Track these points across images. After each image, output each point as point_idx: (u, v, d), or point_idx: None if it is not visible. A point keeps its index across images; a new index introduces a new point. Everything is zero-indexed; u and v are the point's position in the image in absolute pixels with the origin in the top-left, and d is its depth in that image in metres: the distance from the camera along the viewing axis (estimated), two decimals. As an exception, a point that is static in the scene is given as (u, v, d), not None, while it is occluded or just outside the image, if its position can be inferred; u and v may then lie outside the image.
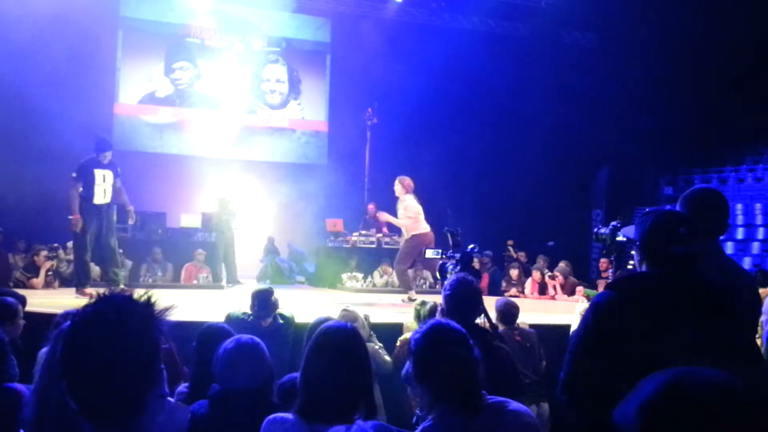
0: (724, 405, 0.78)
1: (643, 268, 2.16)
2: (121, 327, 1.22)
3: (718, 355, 1.45)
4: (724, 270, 2.39)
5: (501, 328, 4.86)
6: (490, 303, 5.01)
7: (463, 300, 3.27)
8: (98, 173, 7.51)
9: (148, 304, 1.28)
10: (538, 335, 5.23)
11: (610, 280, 2.44)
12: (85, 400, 1.22)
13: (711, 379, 0.81)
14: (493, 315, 4.91)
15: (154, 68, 14.32)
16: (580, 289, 10.10)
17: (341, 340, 2.17)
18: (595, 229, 3.29)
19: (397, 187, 8.31)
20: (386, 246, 10.99)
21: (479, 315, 3.50)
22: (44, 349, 3.51)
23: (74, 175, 7.45)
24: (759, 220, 13.33)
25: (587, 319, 2.05)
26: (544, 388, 4.94)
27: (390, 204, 8.56)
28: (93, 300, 1.29)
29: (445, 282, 3.52)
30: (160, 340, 1.29)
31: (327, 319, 3.62)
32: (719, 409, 0.77)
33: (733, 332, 1.94)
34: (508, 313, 5.14)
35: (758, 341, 4.04)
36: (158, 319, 1.28)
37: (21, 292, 5.47)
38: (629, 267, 2.87)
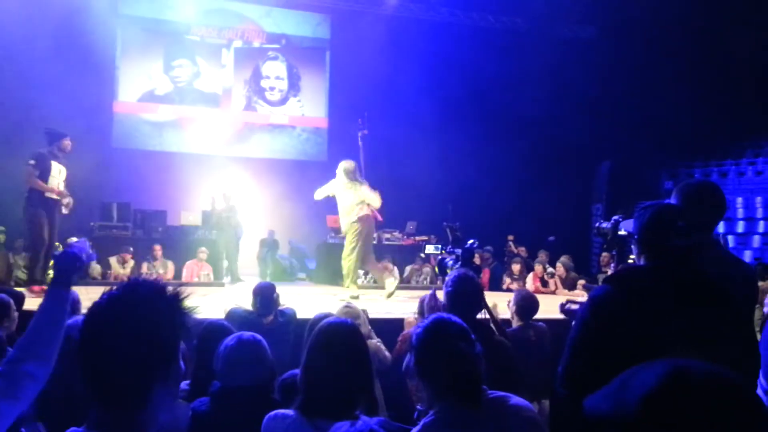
0: (727, 397, 0.80)
1: (642, 262, 2.16)
2: (144, 316, 1.20)
3: (716, 347, 1.45)
4: (722, 262, 2.39)
5: (516, 324, 4.69)
6: (490, 298, 4.99)
7: (464, 296, 3.27)
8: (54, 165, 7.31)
9: (176, 298, 1.26)
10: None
11: (608, 274, 2.45)
12: (95, 384, 1.21)
13: (712, 371, 0.83)
14: (503, 307, 4.84)
15: (153, 66, 14.31)
16: (581, 283, 10.12)
17: (342, 337, 2.17)
18: (597, 224, 3.28)
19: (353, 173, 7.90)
20: (387, 242, 11.00)
21: (480, 311, 3.49)
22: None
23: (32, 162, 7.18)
24: (759, 213, 13.33)
25: (585, 313, 2.05)
26: (547, 384, 4.89)
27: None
28: (123, 284, 1.26)
29: (446, 278, 3.50)
30: (181, 336, 1.26)
31: (327, 315, 3.62)
32: (722, 401, 0.79)
33: (730, 324, 1.94)
34: (527, 307, 4.71)
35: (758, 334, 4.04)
36: (184, 315, 1.26)
37: (21, 290, 5.48)
38: (630, 261, 2.87)
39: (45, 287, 7.33)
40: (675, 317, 1.87)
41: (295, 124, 15.31)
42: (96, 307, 1.24)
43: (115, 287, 1.26)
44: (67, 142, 7.44)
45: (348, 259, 7.86)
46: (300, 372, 2.19)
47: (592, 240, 13.93)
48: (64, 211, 7.43)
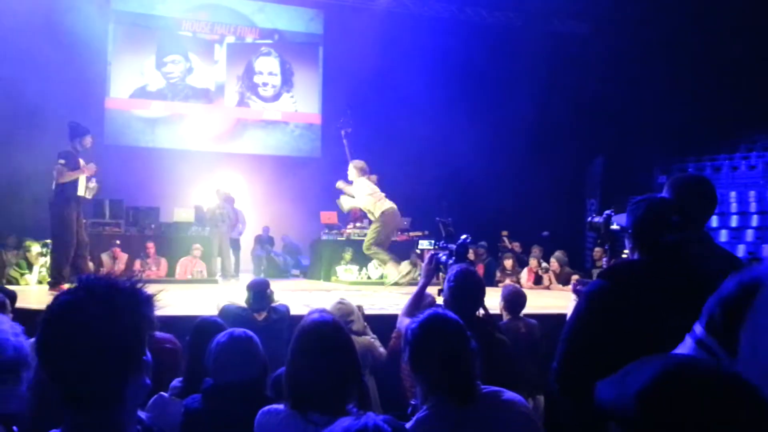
0: (723, 394, 0.81)
1: (636, 256, 2.15)
2: (102, 315, 1.16)
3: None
4: (715, 257, 2.38)
5: (506, 318, 4.72)
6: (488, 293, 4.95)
7: (466, 291, 3.24)
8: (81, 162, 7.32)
9: (133, 291, 1.21)
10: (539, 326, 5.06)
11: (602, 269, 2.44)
12: (62, 388, 1.17)
13: (706, 368, 0.84)
14: (497, 303, 4.82)
15: (145, 62, 14.24)
16: (575, 278, 10.12)
17: (321, 336, 2.15)
18: (589, 218, 3.28)
19: (352, 171, 8.63)
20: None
21: (481, 306, 3.46)
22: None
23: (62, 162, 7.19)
24: (753, 207, 13.34)
25: (580, 308, 2.05)
26: (541, 379, 4.90)
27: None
28: (75, 284, 1.22)
29: (448, 273, 3.46)
30: (145, 327, 1.22)
31: (322, 312, 3.60)
32: (718, 397, 0.80)
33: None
34: (515, 302, 4.81)
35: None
36: (144, 306, 1.21)
37: (14, 288, 5.45)
38: (623, 255, 2.86)
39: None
40: (669, 312, 1.86)
41: (289, 120, 15.27)
42: (51, 314, 1.18)
43: (66, 290, 1.22)
44: (89, 139, 7.47)
45: (371, 249, 8.61)
46: (284, 374, 2.18)
47: (586, 235, 13.95)
48: (88, 195, 7.47)
